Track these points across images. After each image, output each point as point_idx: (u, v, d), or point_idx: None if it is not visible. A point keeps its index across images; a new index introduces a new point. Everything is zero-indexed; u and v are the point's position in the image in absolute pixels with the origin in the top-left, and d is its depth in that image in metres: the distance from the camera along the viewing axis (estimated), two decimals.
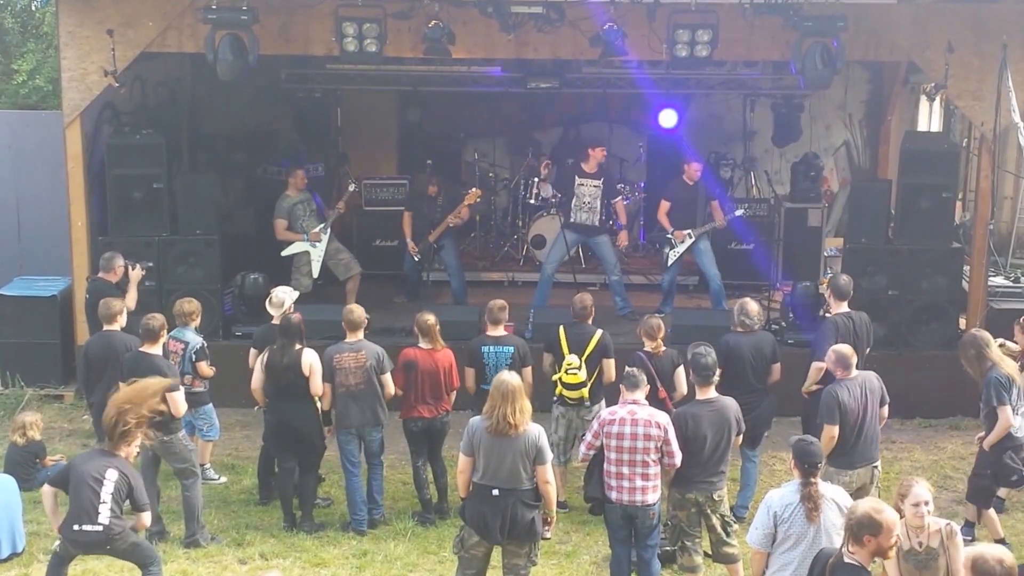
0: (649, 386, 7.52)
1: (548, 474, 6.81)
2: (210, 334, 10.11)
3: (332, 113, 14.82)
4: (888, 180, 12.41)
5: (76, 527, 6.78)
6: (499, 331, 8.74)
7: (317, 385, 8.35)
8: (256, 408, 8.87)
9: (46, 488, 7.00)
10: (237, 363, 9.07)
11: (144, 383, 7.15)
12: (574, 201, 11.92)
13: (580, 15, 10.12)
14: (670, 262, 11.99)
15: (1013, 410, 7.98)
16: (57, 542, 6.98)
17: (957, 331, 11.13)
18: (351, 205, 12.76)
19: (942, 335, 11.03)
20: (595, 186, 11.89)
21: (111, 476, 6.80)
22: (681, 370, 8.32)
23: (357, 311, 8.59)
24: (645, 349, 8.33)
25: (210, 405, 9.17)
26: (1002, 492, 9.04)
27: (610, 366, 8.65)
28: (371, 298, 11.37)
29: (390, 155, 15.36)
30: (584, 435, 7.71)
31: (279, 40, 10.58)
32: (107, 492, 6.75)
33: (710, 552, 7.53)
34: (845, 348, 7.74)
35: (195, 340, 8.91)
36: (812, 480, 6.14)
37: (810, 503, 6.07)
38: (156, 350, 8.09)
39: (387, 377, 8.47)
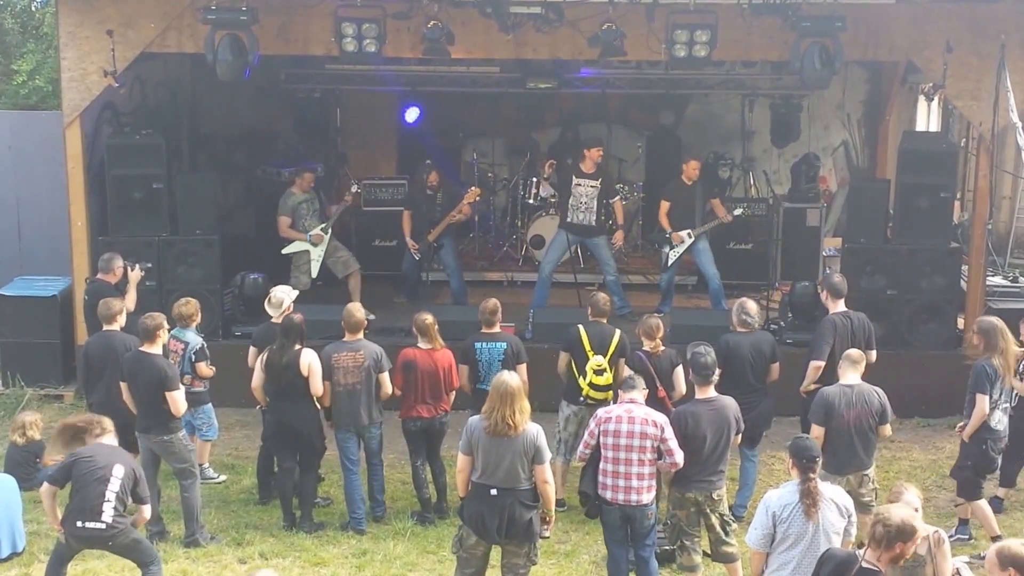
0: (647, 389, 7.53)
1: (547, 474, 6.82)
2: (210, 334, 10.14)
3: (331, 113, 14.86)
4: (886, 180, 12.42)
5: (79, 523, 6.80)
6: (494, 330, 8.76)
7: (317, 385, 8.37)
8: (257, 407, 8.89)
9: (45, 487, 7.00)
10: (237, 363, 9.08)
11: None
12: (571, 201, 11.94)
13: (579, 15, 10.13)
14: (669, 262, 12.01)
15: (996, 405, 8.09)
16: (60, 536, 6.99)
17: (955, 331, 11.17)
18: (352, 206, 12.79)
19: (941, 335, 11.05)
20: (592, 186, 11.91)
21: (118, 472, 6.82)
22: (680, 369, 8.34)
23: (356, 313, 8.60)
24: (644, 349, 8.35)
25: (209, 405, 9.19)
26: (1000, 492, 9.07)
27: (623, 367, 8.67)
28: (370, 298, 11.39)
29: (389, 155, 15.39)
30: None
31: (279, 40, 10.60)
32: (113, 490, 6.79)
33: (709, 551, 7.54)
34: (852, 352, 7.77)
35: (195, 340, 8.94)
36: (811, 476, 6.15)
37: (808, 499, 6.08)
38: (155, 350, 8.10)
39: (385, 376, 8.49)
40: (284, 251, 11.97)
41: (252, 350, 8.83)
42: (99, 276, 9.61)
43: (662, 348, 8.36)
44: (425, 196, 12.31)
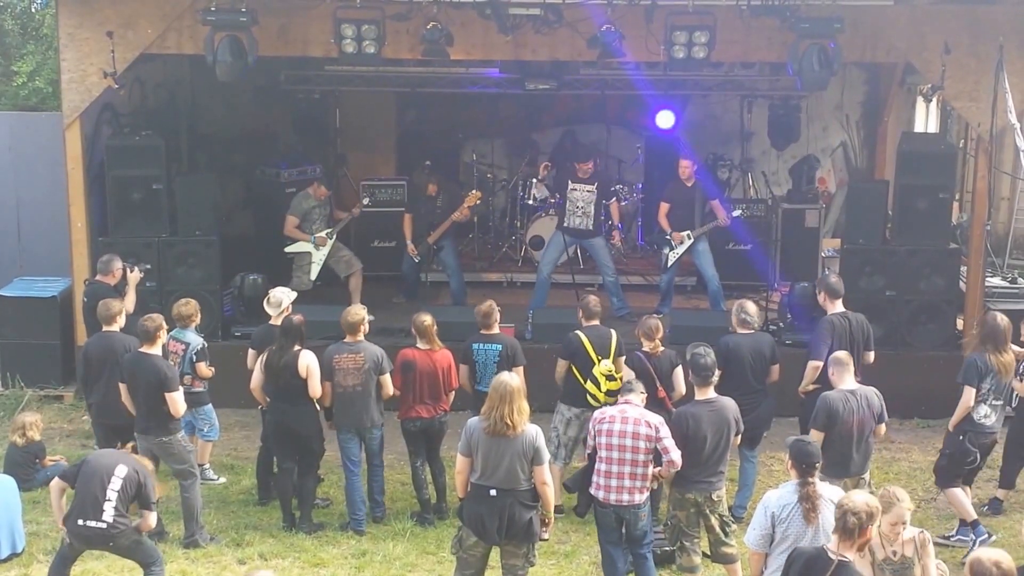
0: (644, 392, 7.53)
1: (545, 475, 6.83)
2: (209, 335, 10.15)
3: (331, 114, 14.85)
4: (885, 181, 12.43)
5: (80, 521, 6.82)
6: (493, 331, 8.77)
7: (315, 387, 8.37)
8: (257, 408, 8.90)
9: (56, 483, 7.02)
10: (236, 364, 9.09)
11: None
12: (567, 206, 11.96)
13: (578, 17, 10.14)
14: (669, 263, 12.02)
15: (983, 399, 8.16)
16: (63, 535, 7.00)
17: (954, 332, 11.18)
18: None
19: (939, 335, 11.07)
20: (588, 191, 11.92)
21: (120, 473, 6.85)
22: (679, 370, 8.34)
23: (354, 314, 8.61)
24: (643, 349, 8.35)
25: (210, 405, 9.20)
26: (1000, 493, 9.08)
27: (620, 365, 8.68)
28: (370, 299, 11.40)
29: (388, 156, 15.38)
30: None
31: (278, 41, 10.60)
32: (113, 490, 6.81)
33: (708, 552, 7.54)
34: (840, 354, 7.75)
35: (196, 341, 8.95)
36: (810, 480, 6.16)
37: (808, 503, 6.08)
38: (155, 351, 8.11)
39: (386, 378, 8.50)
40: (287, 250, 12.01)
41: (251, 351, 8.85)
42: (98, 278, 9.62)
43: (661, 349, 8.37)
44: (425, 198, 12.33)
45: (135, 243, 10.86)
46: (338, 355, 8.45)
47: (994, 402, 8.25)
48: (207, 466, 9.42)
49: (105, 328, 8.57)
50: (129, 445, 7.79)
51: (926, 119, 14.91)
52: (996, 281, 11.79)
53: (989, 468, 9.13)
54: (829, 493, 6.19)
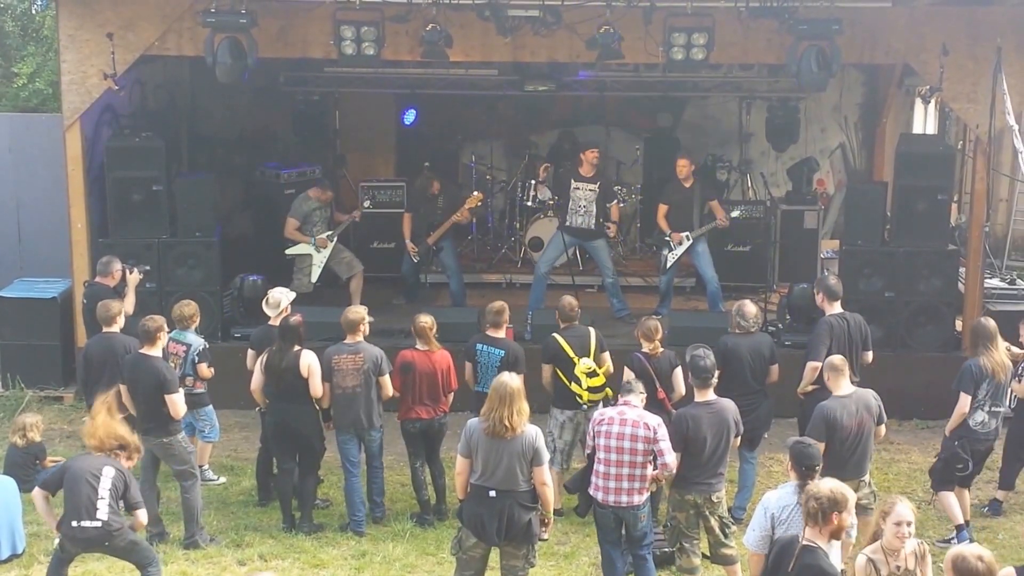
0: (644, 394, 7.54)
1: (545, 476, 6.84)
2: (209, 336, 10.15)
3: (330, 115, 14.86)
4: (884, 182, 12.45)
5: (75, 523, 6.81)
6: (499, 333, 8.78)
7: (316, 387, 8.39)
8: (256, 409, 8.91)
9: (37, 491, 7.04)
10: (236, 365, 9.11)
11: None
12: (570, 205, 11.96)
13: (576, 18, 10.16)
14: (668, 264, 12.03)
15: (980, 405, 8.15)
16: (57, 540, 7.00)
17: (953, 333, 11.20)
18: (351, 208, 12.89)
19: (938, 337, 11.08)
20: (591, 190, 11.93)
21: (108, 473, 6.86)
22: (679, 371, 8.36)
23: (354, 314, 8.62)
24: (643, 350, 8.37)
25: (210, 407, 9.21)
26: (999, 494, 9.09)
27: (607, 359, 8.70)
28: (370, 300, 11.39)
29: (388, 157, 15.41)
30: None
31: (277, 43, 10.62)
32: (104, 488, 6.81)
33: (708, 554, 7.55)
34: (835, 358, 7.74)
35: (197, 342, 8.96)
36: (810, 482, 6.16)
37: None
38: (155, 352, 8.12)
39: (385, 379, 8.51)
40: (287, 252, 12.03)
41: (250, 352, 8.86)
42: (97, 279, 9.63)
43: (661, 350, 8.39)
44: (425, 199, 12.34)
45: (135, 244, 10.88)
46: (337, 356, 8.47)
47: (992, 408, 8.22)
48: (207, 467, 9.43)
49: (105, 329, 8.59)
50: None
51: (924, 121, 14.93)
52: (995, 282, 11.82)
53: (989, 470, 9.14)
54: None
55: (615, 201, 12.24)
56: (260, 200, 13.67)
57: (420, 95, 14.19)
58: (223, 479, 9.53)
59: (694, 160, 12.19)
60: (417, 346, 8.60)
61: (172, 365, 8.47)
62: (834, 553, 5.70)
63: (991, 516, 8.84)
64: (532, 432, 6.79)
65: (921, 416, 10.82)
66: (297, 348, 8.38)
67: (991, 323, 8.38)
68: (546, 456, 6.89)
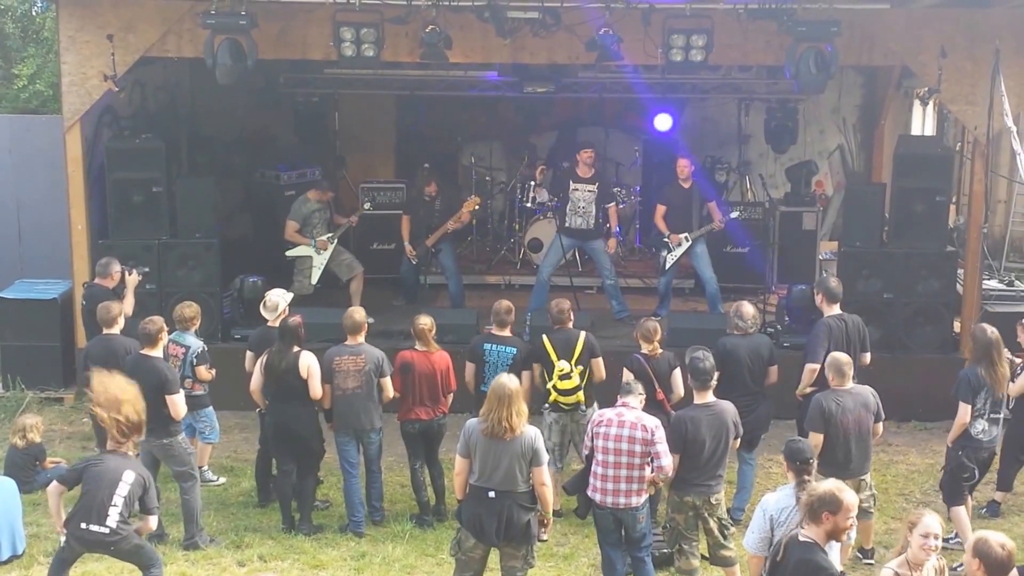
0: (644, 395, 7.55)
1: (544, 476, 6.85)
2: (209, 337, 10.17)
3: (330, 117, 14.88)
4: (882, 184, 12.47)
5: (83, 525, 6.80)
6: (505, 332, 8.80)
7: (316, 388, 8.40)
8: (256, 410, 8.93)
9: (54, 486, 6.99)
10: (236, 366, 9.12)
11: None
12: (569, 206, 11.99)
13: (576, 20, 10.18)
14: (667, 266, 12.05)
15: (980, 413, 8.07)
16: (63, 539, 7.00)
17: (952, 334, 11.22)
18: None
19: (937, 338, 11.10)
20: (589, 191, 11.95)
21: (128, 478, 6.81)
22: (678, 372, 8.37)
23: (356, 315, 8.64)
24: (642, 351, 8.38)
25: (211, 408, 9.23)
26: (998, 496, 9.10)
27: (598, 365, 8.70)
28: (369, 301, 11.43)
29: (387, 159, 15.43)
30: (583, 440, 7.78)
31: (277, 45, 10.63)
32: (120, 495, 6.76)
33: (707, 555, 7.56)
34: (840, 356, 7.76)
35: (196, 344, 8.98)
36: (807, 479, 6.18)
37: None
38: (156, 353, 8.14)
39: (386, 381, 8.52)
40: (288, 254, 12.06)
41: (249, 354, 8.88)
42: (96, 280, 9.63)
43: (660, 351, 8.40)
44: (424, 201, 12.37)
45: (135, 245, 10.90)
46: (338, 357, 8.48)
47: (992, 416, 8.14)
48: (207, 468, 9.45)
49: (105, 331, 8.60)
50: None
51: (923, 122, 14.95)
52: (993, 283, 11.84)
53: (988, 471, 9.13)
54: None
55: (613, 203, 12.26)
56: (260, 201, 13.69)
57: (419, 97, 14.21)
58: (223, 480, 9.55)
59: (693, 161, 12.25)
60: (416, 347, 8.62)
61: (172, 366, 8.49)
62: (833, 555, 5.70)
63: (989, 518, 8.84)
64: (531, 433, 6.80)
65: (920, 418, 10.85)
66: (296, 349, 8.39)
67: (993, 333, 8.20)
68: (545, 457, 6.90)
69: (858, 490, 7.49)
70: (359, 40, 9.96)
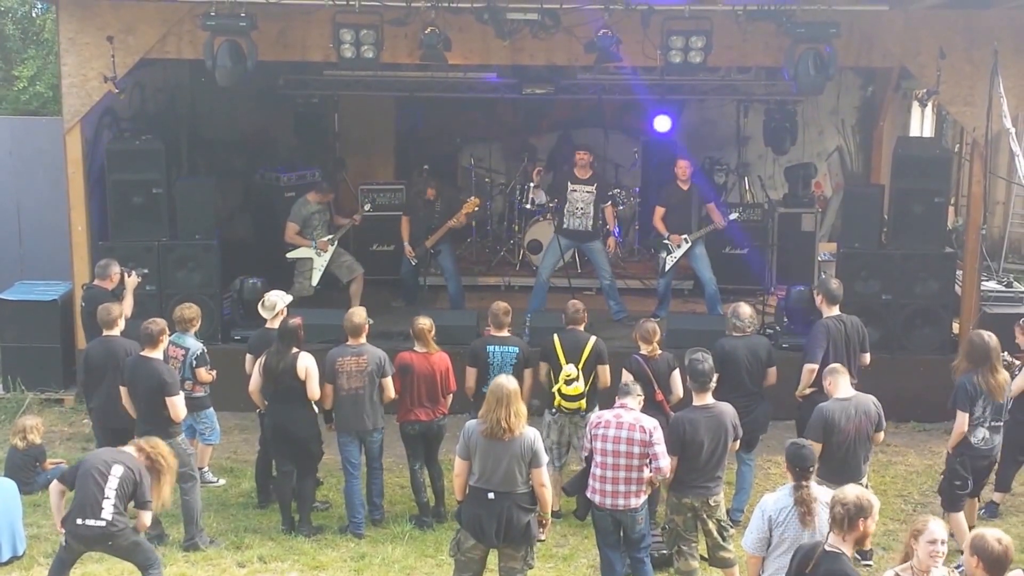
0: (642, 395, 7.56)
1: (543, 477, 6.86)
2: (209, 338, 10.19)
3: (330, 118, 14.90)
4: (881, 185, 12.48)
5: (79, 521, 6.83)
6: (504, 333, 8.81)
7: (314, 389, 8.42)
8: (256, 411, 8.94)
9: (55, 485, 7.03)
10: (235, 367, 9.13)
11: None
12: (567, 207, 12.02)
13: (575, 22, 10.20)
14: (667, 267, 12.06)
15: (980, 422, 8.01)
16: (61, 539, 7.02)
17: (950, 335, 11.23)
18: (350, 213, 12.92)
19: (935, 339, 11.11)
20: (588, 192, 11.97)
21: (116, 472, 6.86)
22: (677, 373, 8.38)
23: (358, 316, 8.65)
24: (641, 352, 8.40)
25: (211, 409, 9.25)
26: (996, 496, 9.10)
27: (605, 372, 8.70)
28: (369, 302, 11.42)
29: (387, 160, 15.44)
30: (582, 441, 7.79)
31: (277, 46, 10.65)
32: (111, 487, 6.81)
33: (706, 556, 7.57)
34: (838, 367, 7.75)
35: (195, 346, 9.00)
36: (804, 484, 6.19)
37: (803, 507, 6.12)
38: (156, 355, 8.15)
39: (388, 381, 8.53)
40: (288, 255, 12.07)
41: (248, 355, 8.90)
42: (95, 282, 9.63)
43: (659, 352, 8.42)
44: (423, 202, 12.38)
45: (135, 247, 10.90)
46: (341, 358, 8.49)
47: (992, 423, 8.07)
48: (207, 469, 9.47)
49: (106, 332, 8.61)
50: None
51: (921, 123, 14.98)
52: (991, 285, 11.84)
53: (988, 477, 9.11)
54: (825, 496, 6.17)
55: (609, 203, 12.28)
56: (260, 203, 13.71)
57: (419, 98, 14.22)
58: (223, 481, 9.56)
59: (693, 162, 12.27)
60: (416, 348, 8.64)
61: (172, 368, 8.50)
62: None
63: (987, 518, 8.84)
64: (530, 434, 6.82)
65: (918, 419, 10.87)
66: (295, 350, 8.41)
67: (992, 339, 8.09)
68: (544, 458, 6.91)
69: None
70: (359, 42, 9.98)
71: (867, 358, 8.93)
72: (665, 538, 7.64)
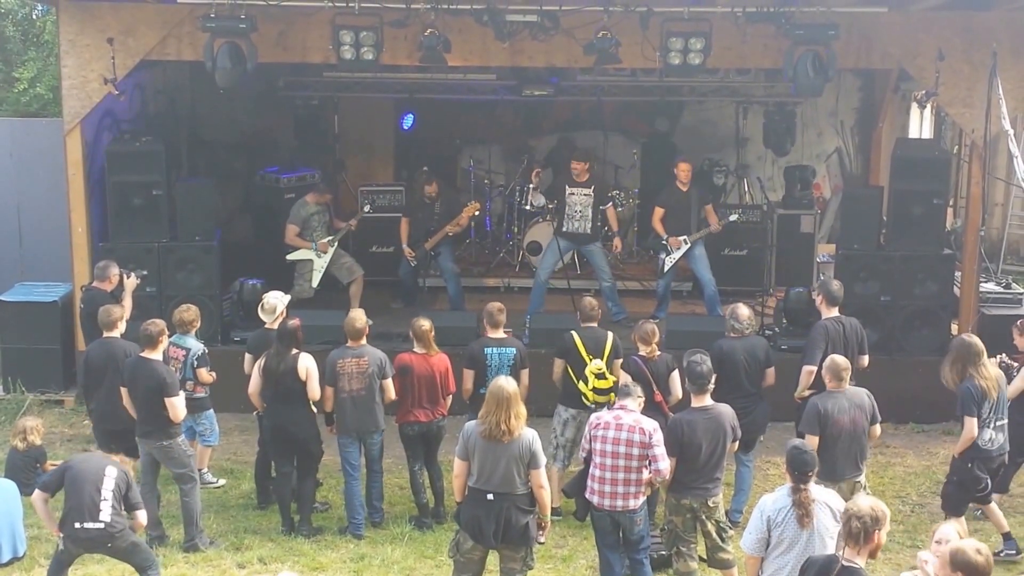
0: (642, 397, 7.58)
1: (542, 478, 6.87)
2: (209, 339, 10.19)
3: (329, 120, 14.90)
4: (880, 187, 12.51)
5: (77, 524, 6.84)
6: (499, 333, 8.83)
7: (314, 390, 8.43)
8: (255, 413, 8.96)
9: (37, 494, 7.08)
10: (235, 368, 9.14)
11: None
12: (566, 210, 12.03)
13: (574, 23, 10.21)
14: (666, 268, 12.07)
15: (985, 423, 7.99)
16: (59, 542, 7.04)
17: (949, 336, 11.22)
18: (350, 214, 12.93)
19: (934, 340, 11.11)
20: (586, 195, 11.98)
21: (111, 473, 6.92)
22: (676, 374, 8.39)
23: (359, 319, 8.66)
24: (640, 354, 8.41)
25: (211, 410, 9.27)
26: (994, 497, 9.06)
27: (617, 368, 8.74)
28: (368, 304, 11.46)
29: (387, 162, 15.46)
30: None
31: (277, 48, 10.67)
32: (108, 489, 6.85)
33: (705, 557, 7.58)
34: (839, 359, 7.76)
35: (196, 347, 9.01)
36: (803, 487, 6.20)
37: (801, 509, 6.11)
38: (156, 356, 8.17)
39: (388, 382, 8.54)
40: (288, 257, 12.08)
41: (247, 356, 8.91)
42: (94, 284, 9.63)
43: (658, 353, 8.43)
44: (423, 204, 12.39)
45: (135, 248, 10.91)
46: (342, 359, 8.50)
47: (997, 423, 8.06)
48: (206, 470, 9.48)
49: (106, 334, 8.61)
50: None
51: (920, 125, 14.99)
52: (990, 286, 11.86)
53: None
54: (823, 496, 6.22)
55: (609, 204, 12.29)
56: (260, 204, 13.72)
57: (419, 100, 14.24)
58: (222, 482, 9.57)
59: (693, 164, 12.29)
60: (415, 349, 8.65)
61: (172, 369, 8.52)
62: None
63: (984, 520, 8.85)
64: (529, 435, 6.82)
65: (917, 420, 10.88)
66: (295, 352, 8.42)
67: (977, 341, 8.12)
68: (543, 459, 6.91)
69: (852, 492, 7.52)
70: (358, 43, 10.00)
71: (866, 360, 8.94)
72: (664, 539, 7.65)
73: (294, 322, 8.64)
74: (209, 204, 11.50)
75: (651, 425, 7.28)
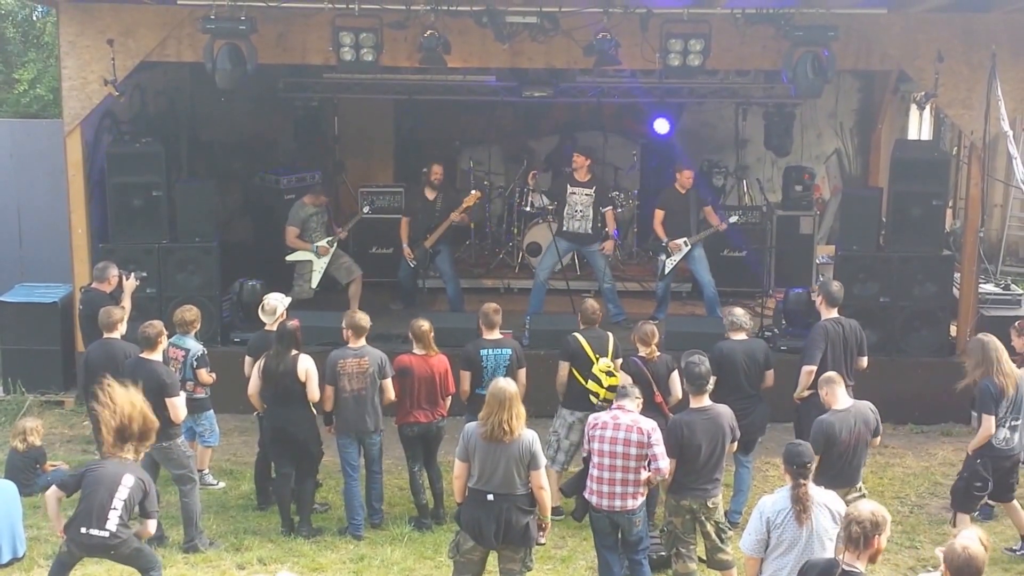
0: (641, 398, 7.58)
1: (542, 479, 6.88)
2: (208, 340, 10.20)
3: (329, 121, 14.93)
4: (879, 188, 12.51)
5: (83, 530, 6.82)
6: (495, 334, 8.83)
7: (314, 391, 8.44)
8: (255, 414, 8.96)
9: (53, 491, 7.02)
10: (235, 369, 9.15)
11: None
12: (566, 210, 12.04)
13: (574, 25, 10.23)
14: (666, 270, 12.07)
15: (1001, 422, 7.99)
16: (62, 544, 7.03)
17: (948, 338, 11.26)
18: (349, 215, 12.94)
19: (933, 342, 11.13)
20: (587, 195, 11.99)
21: (127, 482, 6.83)
22: (676, 375, 8.38)
23: (362, 319, 8.66)
24: (639, 354, 8.42)
25: (211, 411, 9.27)
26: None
27: (618, 368, 8.76)
28: (368, 305, 11.45)
29: (386, 163, 15.47)
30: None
31: (277, 49, 10.68)
32: (120, 499, 6.78)
33: (705, 558, 7.58)
34: (833, 375, 7.73)
35: (196, 347, 9.02)
36: (802, 482, 6.21)
37: (799, 505, 6.11)
38: (156, 357, 8.17)
39: (388, 383, 8.55)
40: (288, 258, 12.10)
41: (247, 358, 8.91)
42: (94, 285, 9.64)
43: (658, 354, 8.44)
44: (423, 204, 12.39)
45: (135, 249, 10.93)
46: (342, 360, 8.50)
47: (1012, 423, 8.06)
48: (206, 471, 9.48)
49: (106, 335, 8.62)
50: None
51: (919, 126, 15.01)
52: (989, 287, 11.87)
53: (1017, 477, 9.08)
54: (823, 498, 6.22)
55: (610, 207, 12.31)
56: (259, 205, 13.74)
57: (418, 101, 14.25)
58: (222, 483, 9.57)
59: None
60: (415, 350, 8.65)
61: (172, 370, 8.53)
62: None
63: (982, 520, 8.84)
64: (529, 436, 6.83)
65: (916, 421, 10.89)
66: (294, 353, 8.43)
67: (990, 338, 8.12)
68: (543, 460, 6.92)
69: (847, 494, 7.51)
70: (358, 45, 10.01)
71: (865, 361, 8.95)
72: (663, 540, 7.66)
73: (293, 323, 8.65)
74: (209, 205, 11.51)
75: (649, 425, 7.28)
